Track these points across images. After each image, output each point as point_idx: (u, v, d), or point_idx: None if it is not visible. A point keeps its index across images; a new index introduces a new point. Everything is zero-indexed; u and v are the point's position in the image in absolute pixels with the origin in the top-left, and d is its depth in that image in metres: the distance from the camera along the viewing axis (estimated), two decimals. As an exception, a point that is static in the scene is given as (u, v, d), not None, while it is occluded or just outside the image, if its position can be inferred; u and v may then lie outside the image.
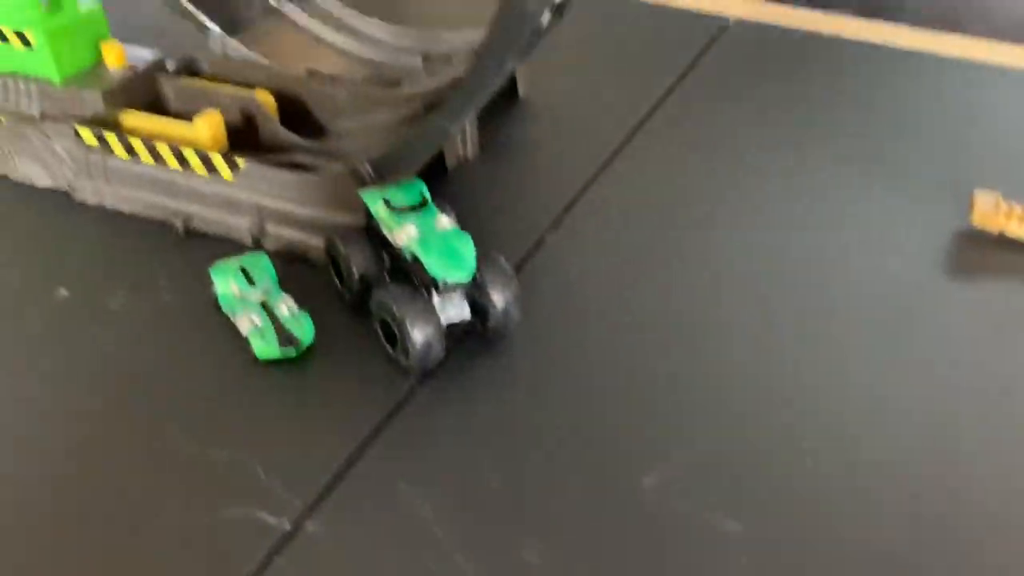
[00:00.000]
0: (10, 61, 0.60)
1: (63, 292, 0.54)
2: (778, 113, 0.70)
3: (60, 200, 0.60)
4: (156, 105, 0.62)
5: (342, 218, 0.53)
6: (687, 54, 0.78)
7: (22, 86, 0.60)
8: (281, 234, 0.55)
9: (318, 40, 0.71)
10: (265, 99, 0.61)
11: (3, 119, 0.60)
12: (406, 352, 0.45)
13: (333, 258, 0.51)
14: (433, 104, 0.57)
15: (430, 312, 0.45)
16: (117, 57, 0.61)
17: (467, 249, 0.46)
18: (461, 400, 0.46)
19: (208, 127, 0.57)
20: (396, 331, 0.45)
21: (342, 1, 0.71)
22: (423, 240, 0.46)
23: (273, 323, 0.48)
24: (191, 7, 0.66)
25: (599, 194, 0.61)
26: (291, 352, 0.48)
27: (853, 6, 0.91)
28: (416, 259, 0.46)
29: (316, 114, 0.63)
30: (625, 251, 0.56)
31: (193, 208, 0.57)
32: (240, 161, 0.55)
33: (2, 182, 0.62)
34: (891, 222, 0.58)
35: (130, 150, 0.57)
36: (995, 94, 0.71)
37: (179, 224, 0.57)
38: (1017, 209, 0.55)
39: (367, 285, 0.49)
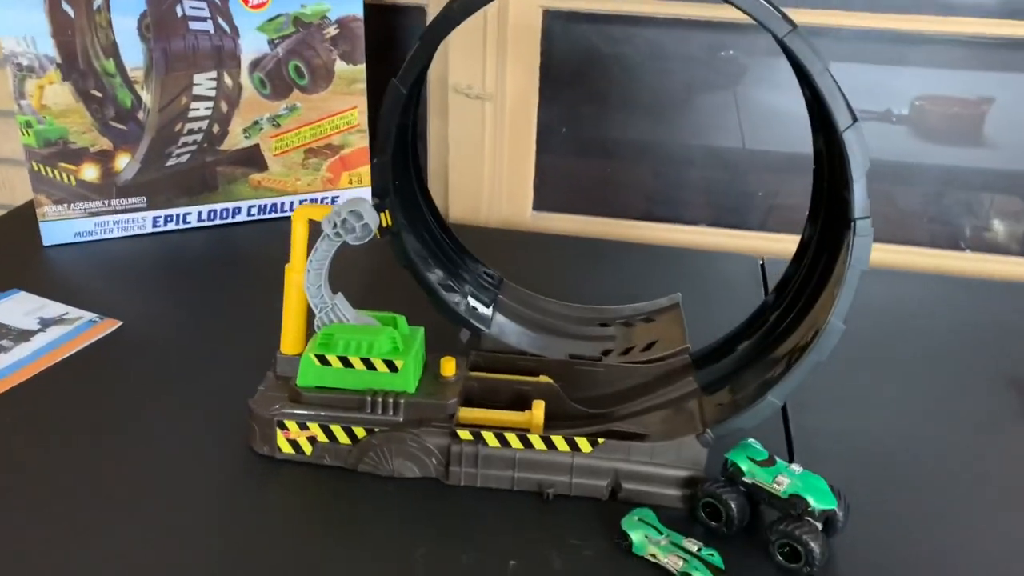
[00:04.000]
0: (371, 381, 0.76)
1: (464, 559, 0.68)
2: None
3: (430, 485, 0.75)
4: (468, 398, 0.80)
5: (685, 472, 0.74)
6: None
7: (389, 400, 0.75)
8: (635, 488, 0.74)
9: (534, 324, 0.91)
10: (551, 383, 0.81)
11: (376, 429, 0.75)
12: (811, 563, 0.67)
13: (703, 504, 0.72)
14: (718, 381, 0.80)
15: (818, 532, 0.68)
16: (451, 368, 0.78)
17: (826, 485, 0.69)
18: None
19: (541, 413, 0.76)
20: (802, 550, 0.67)
21: (541, 295, 0.93)
22: (803, 484, 0.69)
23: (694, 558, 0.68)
24: (471, 319, 0.85)
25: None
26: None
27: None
28: (793, 496, 0.68)
29: (578, 387, 0.84)
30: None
31: (556, 478, 0.75)
32: (600, 440, 0.74)
33: (373, 479, 0.75)
34: None
35: (502, 440, 0.74)
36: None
37: (549, 493, 0.74)
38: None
39: (740, 521, 0.70)
